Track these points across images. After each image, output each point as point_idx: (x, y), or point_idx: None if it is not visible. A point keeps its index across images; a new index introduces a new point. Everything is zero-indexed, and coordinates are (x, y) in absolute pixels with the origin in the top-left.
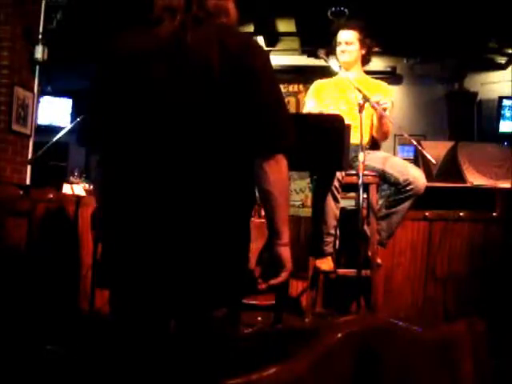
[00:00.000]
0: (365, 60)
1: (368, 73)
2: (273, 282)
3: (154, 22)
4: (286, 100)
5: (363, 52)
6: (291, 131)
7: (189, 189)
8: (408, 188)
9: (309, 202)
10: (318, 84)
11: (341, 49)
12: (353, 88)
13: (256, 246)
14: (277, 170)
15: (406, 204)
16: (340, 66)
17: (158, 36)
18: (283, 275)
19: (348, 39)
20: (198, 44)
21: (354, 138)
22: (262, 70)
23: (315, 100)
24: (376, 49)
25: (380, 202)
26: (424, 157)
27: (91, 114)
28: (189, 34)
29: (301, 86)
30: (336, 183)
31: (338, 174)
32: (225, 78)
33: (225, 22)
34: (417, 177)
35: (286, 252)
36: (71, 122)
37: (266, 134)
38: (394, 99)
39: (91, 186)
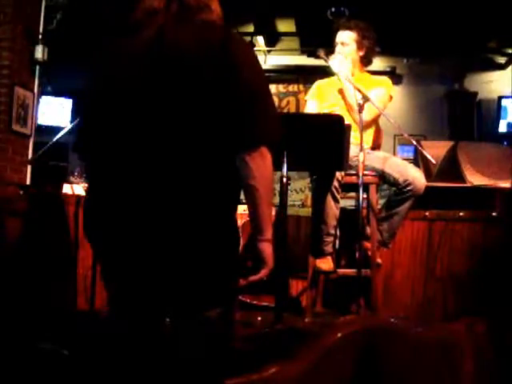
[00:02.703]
0: (363, 62)
1: (368, 73)
2: (252, 278)
3: (135, 27)
4: (286, 100)
5: (361, 54)
6: (277, 124)
7: (179, 188)
8: (408, 189)
9: (309, 202)
10: (319, 84)
11: (337, 50)
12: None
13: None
14: (262, 164)
15: (406, 204)
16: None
17: (141, 42)
18: (263, 272)
19: (344, 40)
20: (181, 44)
21: (355, 138)
22: (244, 62)
23: (316, 101)
24: (376, 49)
25: (380, 202)
26: (424, 157)
27: (82, 125)
28: (170, 37)
29: (301, 86)
30: (336, 183)
31: (338, 174)
32: (209, 74)
33: (207, 17)
34: (416, 177)
35: (267, 248)
36: (71, 122)
37: (250, 126)
38: (393, 94)
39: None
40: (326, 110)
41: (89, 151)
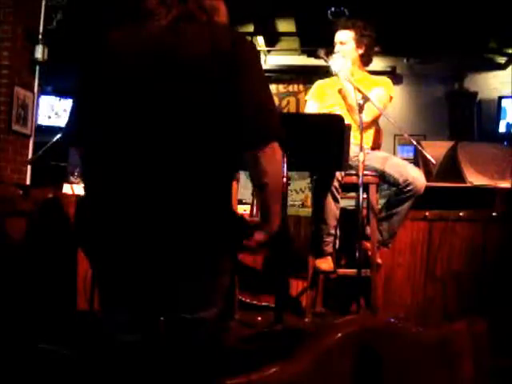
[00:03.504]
0: (363, 60)
1: (368, 73)
2: (255, 238)
3: (145, 16)
4: (286, 100)
5: (360, 52)
6: (280, 122)
7: (178, 188)
8: (408, 189)
9: (309, 202)
10: (319, 84)
11: (336, 49)
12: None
13: None
14: (273, 159)
15: (406, 205)
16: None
17: (150, 32)
18: (264, 231)
19: (342, 39)
20: (190, 41)
21: (355, 139)
22: (251, 65)
23: (317, 101)
24: (376, 49)
25: (380, 202)
26: (424, 157)
27: (77, 112)
28: (180, 32)
29: (301, 86)
30: (336, 183)
31: (338, 174)
32: (216, 74)
33: (217, 19)
34: (416, 177)
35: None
36: None
37: (261, 122)
38: (393, 94)
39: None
40: (325, 110)
41: (85, 144)
